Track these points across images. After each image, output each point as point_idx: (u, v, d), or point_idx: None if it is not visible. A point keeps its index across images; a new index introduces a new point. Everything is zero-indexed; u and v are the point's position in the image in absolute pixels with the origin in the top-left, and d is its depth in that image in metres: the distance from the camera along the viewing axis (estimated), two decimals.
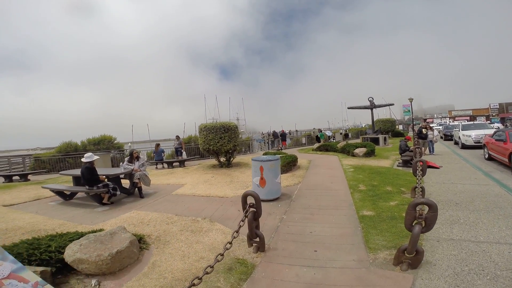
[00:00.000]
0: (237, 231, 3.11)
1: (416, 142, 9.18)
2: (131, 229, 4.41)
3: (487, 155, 9.86)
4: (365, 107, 19.09)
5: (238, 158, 15.64)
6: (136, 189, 7.31)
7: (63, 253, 3.19)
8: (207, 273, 2.43)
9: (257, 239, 3.64)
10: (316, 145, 17.29)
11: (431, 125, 14.67)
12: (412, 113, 30.14)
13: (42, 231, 4.53)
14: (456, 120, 48.85)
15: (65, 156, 14.79)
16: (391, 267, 3.02)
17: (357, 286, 2.77)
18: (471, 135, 13.71)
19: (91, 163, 6.57)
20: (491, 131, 13.43)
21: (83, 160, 6.62)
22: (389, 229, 3.95)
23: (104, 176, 6.77)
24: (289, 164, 9.78)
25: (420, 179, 4.61)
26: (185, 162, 13.37)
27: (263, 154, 13.26)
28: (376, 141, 17.15)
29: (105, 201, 6.52)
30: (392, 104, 21.04)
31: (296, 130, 56.15)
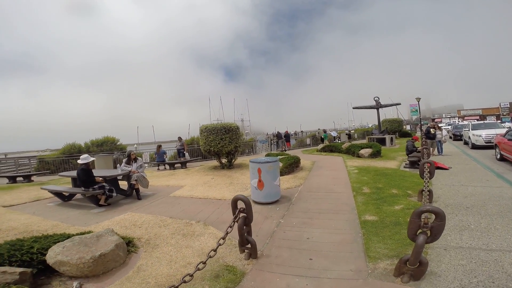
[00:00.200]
0: (223, 238, 2.91)
1: (423, 142, 8.82)
2: (123, 232, 4.38)
3: (499, 155, 9.43)
4: (371, 107, 18.67)
5: (240, 159, 15.43)
6: (134, 190, 7.21)
7: (45, 254, 3.19)
8: (184, 281, 2.23)
9: (249, 246, 3.42)
10: (321, 146, 16.97)
11: (439, 124, 14.20)
12: (419, 113, 29.47)
13: (34, 232, 4.51)
14: (466, 120, 47.76)
15: (69, 158, 14.83)
16: (391, 278, 2.74)
17: None
18: (481, 135, 13.22)
19: (87, 164, 6.54)
20: (503, 131, 12.94)
21: (79, 161, 6.64)
22: (392, 236, 3.66)
23: (100, 178, 6.70)
24: (291, 166, 9.52)
25: (428, 181, 4.32)
26: (187, 164, 13.21)
27: (265, 155, 13.02)
28: (382, 141, 16.72)
29: (101, 202, 6.47)
30: (399, 104, 20.54)
31: (302, 131, 55.79)
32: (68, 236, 3.59)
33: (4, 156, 23.26)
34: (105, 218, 5.41)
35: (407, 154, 9.55)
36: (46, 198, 7.54)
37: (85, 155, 6.74)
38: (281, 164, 9.31)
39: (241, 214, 3.26)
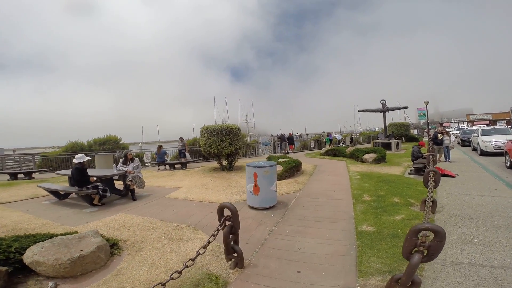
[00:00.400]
0: (204, 247, 2.73)
1: (430, 148, 8.47)
2: (110, 233, 4.37)
3: (508, 163, 9.04)
4: (377, 110, 18.30)
5: (241, 161, 15.26)
6: (129, 191, 7.12)
7: (23, 254, 3.20)
8: None
9: (235, 254, 3.23)
10: (324, 149, 16.68)
11: (447, 129, 13.77)
12: (427, 117, 28.85)
13: (23, 230, 4.49)
14: (475, 125, 46.71)
15: (71, 155, 14.82)
16: None
17: None
18: (491, 141, 12.77)
19: (82, 164, 6.51)
20: None
21: (74, 161, 6.61)
22: (388, 250, 3.41)
23: (94, 177, 6.62)
24: (292, 170, 9.29)
25: (432, 191, 4.06)
26: (188, 164, 13.10)
27: (267, 158, 12.83)
28: (388, 146, 16.37)
29: (95, 202, 6.44)
30: (406, 107, 20.13)
31: (306, 134, 55.44)
32: (51, 236, 3.59)
33: (12, 152, 23.65)
34: (96, 218, 5.36)
35: (413, 161, 9.24)
36: (43, 196, 7.54)
37: (80, 155, 6.71)
38: (281, 168, 9.11)
39: (227, 222, 3.06)
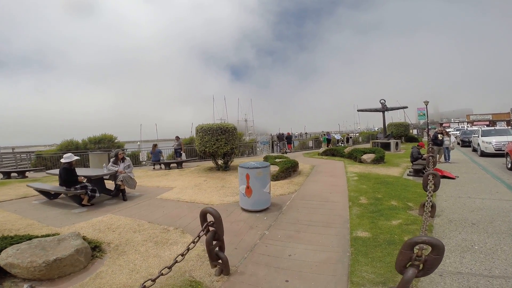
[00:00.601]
0: (182, 254, 2.54)
1: (430, 149, 8.26)
2: (95, 235, 4.31)
3: (510, 164, 8.84)
4: (376, 110, 18.08)
5: (238, 161, 15.05)
6: (120, 191, 6.95)
7: None
8: None
9: (220, 261, 3.04)
10: (322, 149, 16.47)
11: (447, 130, 13.56)
12: (427, 117, 28.61)
13: (7, 231, 4.41)
14: (475, 125, 46.48)
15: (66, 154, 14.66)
16: None
17: None
18: (491, 142, 12.56)
19: (70, 163, 6.36)
20: None
21: (62, 160, 6.47)
22: (383, 258, 3.21)
23: (82, 177, 6.45)
24: (288, 170, 9.08)
25: (431, 195, 3.86)
26: (183, 164, 12.90)
27: (264, 158, 12.63)
28: (387, 146, 16.15)
29: (84, 202, 6.30)
30: (406, 107, 19.89)
31: (306, 133, 55.22)
32: (29, 238, 3.56)
33: (11, 150, 23.42)
34: (83, 219, 5.25)
35: (412, 162, 9.03)
36: (33, 195, 7.40)
37: (68, 154, 6.54)
38: (277, 168, 8.91)
39: (211, 228, 2.86)
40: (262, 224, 4.77)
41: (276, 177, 8.56)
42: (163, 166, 12.55)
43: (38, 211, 5.94)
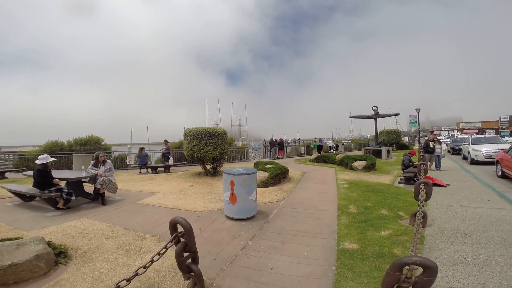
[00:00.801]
0: (145, 267, 2.27)
1: (421, 157, 8.14)
2: (64, 240, 4.13)
3: (500, 172, 8.78)
4: (369, 117, 18.05)
5: (228, 166, 14.78)
6: (99, 195, 6.64)
7: None
8: None
9: (193, 274, 2.76)
10: (314, 155, 16.31)
11: (438, 137, 13.55)
12: (418, 124, 28.87)
13: None
14: (464, 133, 47.23)
15: (50, 155, 14.12)
16: None
17: None
18: (482, 150, 12.59)
19: (45, 165, 6.06)
20: (504, 146, 12.31)
21: (36, 162, 6.17)
22: (371, 273, 2.96)
23: (57, 180, 6.12)
24: (278, 177, 8.84)
25: (423, 204, 3.66)
26: (171, 168, 12.54)
27: (254, 163, 12.36)
28: (378, 153, 16.08)
29: (60, 205, 6.01)
30: (398, 114, 19.95)
31: (299, 139, 55.25)
32: None
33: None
34: (55, 223, 5.03)
35: (403, 169, 8.89)
36: (8, 197, 7.15)
37: (44, 155, 6.22)
38: (267, 174, 8.66)
39: (181, 239, 2.59)
40: (246, 234, 4.50)
41: (265, 184, 8.31)
42: (150, 170, 12.17)
43: (9, 214, 5.69)
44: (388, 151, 16.51)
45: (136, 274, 2.20)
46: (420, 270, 1.68)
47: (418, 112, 26.10)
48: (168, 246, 2.49)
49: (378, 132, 18.99)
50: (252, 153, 21.88)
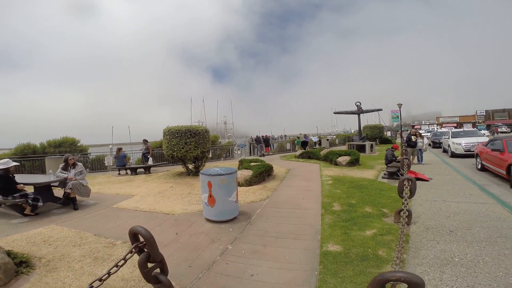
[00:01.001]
0: (101, 280, 1.99)
1: (404, 151, 8.12)
2: (27, 249, 3.90)
3: (479, 165, 8.92)
4: (352, 112, 18.13)
5: (213, 165, 14.46)
6: (70, 199, 6.26)
7: None
8: None
9: (160, 285, 2.49)
10: (299, 152, 16.22)
11: (419, 131, 13.72)
12: (400, 119, 29.42)
13: None
14: (444, 127, 48.79)
15: (22, 159, 13.29)
16: None
17: None
18: (461, 143, 12.85)
19: (6, 170, 5.62)
20: (482, 139, 12.61)
21: None
22: (354, 278, 2.77)
23: (22, 185, 5.68)
24: (262, 175, 8.62)
25: (407, 202, 3.51)
26: (152, 169, 12.07)
27: (238, 161, 12.09)
28: (362, 148, 16.18)
29: (27, 212, 5.68)
30: (380, 110, 20.14)
31: (285, 135, 55.38)
32: None
33: None
34: (20, 230, 4.76)
35: (386, 164, 8.87)
36: None
37: (5, 160, 5.76)
38: (251, 173, 8.42)
39: (144, 250, 2.30)
40: (226, 237, 4.24)
41: (249, 182, 8.07)
42: (129, 171, 11.65)
43: None
44: (371, 146, 16.64)
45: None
46: (404, 285, 1.48)
47: (400, 107, 26.55)
48: (127, 257, 2.20)
49: (361, 127, 19.12)
50: (238, 150, 21.57)
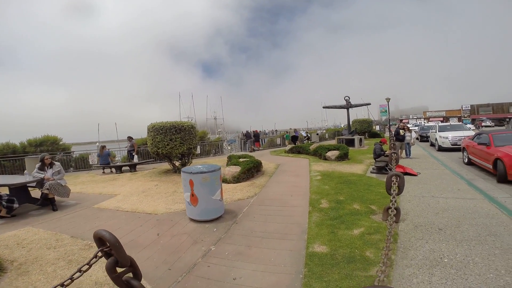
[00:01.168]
0: (62, 285, 1.80)
1: (392, 145, 8.09)
2: (0, 252, 3.78)
3: (466, 159, 8.98)
4: (341, 107, 18.08)
5: (202, 161, 14.21)
6: (49, 200, 5.99)
7: None
8: None
9: None
10: (289, 147, 16.11)
11: (408, 125, 13.77)
12: (389, 113, 29.68)
13: None
14: (431, 121, 49.67)
15: (2, 159, 12.72)
16: None
17: None
18: (448, 137, 12.98)
19: None
20: (468, 133, 12.77)
21: None
22: (340, 282, 2.63)
23: None
24: (250, 171, 8.44)
25: (395, 200, 3.40)
26: (138, 166, 11.73)
27: (227, 157, 11.89)
28: (351, 142, 16.18)
29: (2, 214, 5.46)
30: (369, 104, 20.17)
31: (276, 130, 55.33)
32: None
33: None
34: None
35: (375, 158, 8.82)
36: None
37: None
38: (238, 169, 8.23)
39: (110, 257, 2.11)
40: (210, 238, 4.07)
41: (237, 179, 7.89)
42: (114, 169, 11.29)
43: None
44: (360, 140, 16.67)
45: None
46: None
47: (388, 102, 26.76)
48: (91, 262, 2.01)
49: (350, 122, 19.13)
50: (229, 146, 21.32)
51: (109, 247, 2.14)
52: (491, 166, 6.82)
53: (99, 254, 2.14)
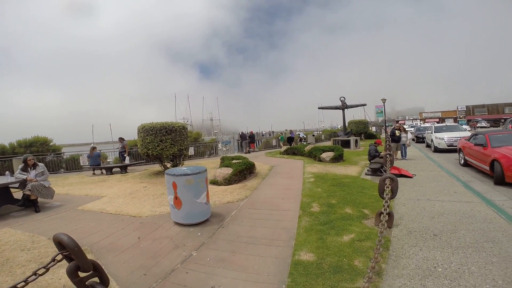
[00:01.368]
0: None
1: (387, 147, 7.92)
2: None
3: (462, 160, 8.83)
4: (337, 108, 17.94)
5: (195, 162, 14.01)
6: (31, 202, 5.81)
7: None
8: None
9: None
10: (283, 148, 15.92)
11: (404, 126, 13.64)
12: (385, 114, 29.61)
13: None
14: (427, 122, 49.78)
15: None
16: None
17: None
18: (444, 138, 12.87)
19: None
20: (464, 134, 12.67)
21: None
22: None
23: None
24: (242, 173, 8.24)
25: (388, 204, 3.20)
26: (129, 168, 11.49)
27: (220, 159, 11.68)
28: (347, 143, 16.03)
29: None
30: (365, 105, 20.06)
31: (273, 131, 55.22)
32: None
33: None
34: None
35: (369, 160, 8.64)
36: None
37: None
38: (230, 171, 8.02)
39: (71, 262, 1.92)
40: (193, 242, 3.87)
41: (228, 181, 7.69)
42: (104, 171, 11.04)
43: None
44: (356, 141, 16.52)
45: None
46: None
47: (384, 103, 26.68)
48: (49, 266, 1.84)
49: (346, 123, 19.00)
50: (224, 147, 21.09)
51: (68, 252, 1.97)
52: (488, 168, 6.66)
53: (58, 257, 1.99)
